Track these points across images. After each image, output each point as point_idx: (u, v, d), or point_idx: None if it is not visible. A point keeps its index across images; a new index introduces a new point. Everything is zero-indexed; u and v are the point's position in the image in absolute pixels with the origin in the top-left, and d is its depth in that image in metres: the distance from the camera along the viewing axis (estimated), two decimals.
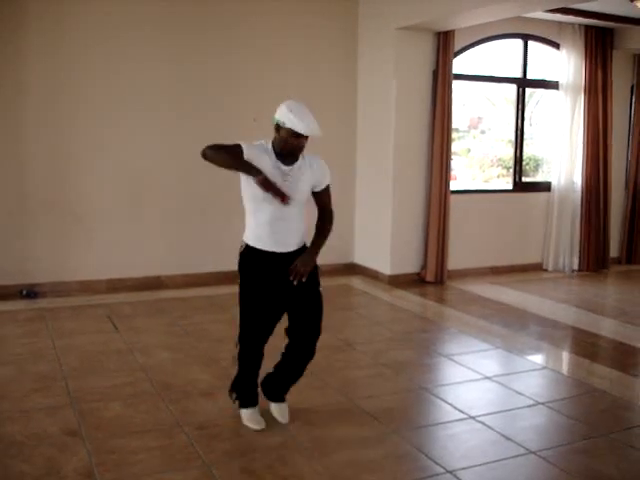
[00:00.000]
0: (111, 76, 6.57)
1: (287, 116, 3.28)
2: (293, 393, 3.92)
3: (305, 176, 3.45)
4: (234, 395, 3.74)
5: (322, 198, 3.58)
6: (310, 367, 4.44)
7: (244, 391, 3.71)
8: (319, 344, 4.93)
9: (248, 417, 3.67)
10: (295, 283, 3.41)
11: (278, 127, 3.33)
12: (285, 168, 3.39)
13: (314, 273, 3.53)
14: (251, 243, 3.46)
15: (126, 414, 3.79)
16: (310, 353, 3.64)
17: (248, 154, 3.31)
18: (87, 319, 5.74)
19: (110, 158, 6.66)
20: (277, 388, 3.78)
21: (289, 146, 3.33)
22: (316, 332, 3.61)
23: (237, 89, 7.05)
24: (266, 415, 3.74)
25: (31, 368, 4.50)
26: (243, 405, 3.71)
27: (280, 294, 3.48)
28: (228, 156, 3.31)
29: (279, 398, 3.79)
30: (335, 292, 6.68)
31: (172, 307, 6.14)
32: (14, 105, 6.28)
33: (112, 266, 6.76)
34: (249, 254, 3.48)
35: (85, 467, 3.16)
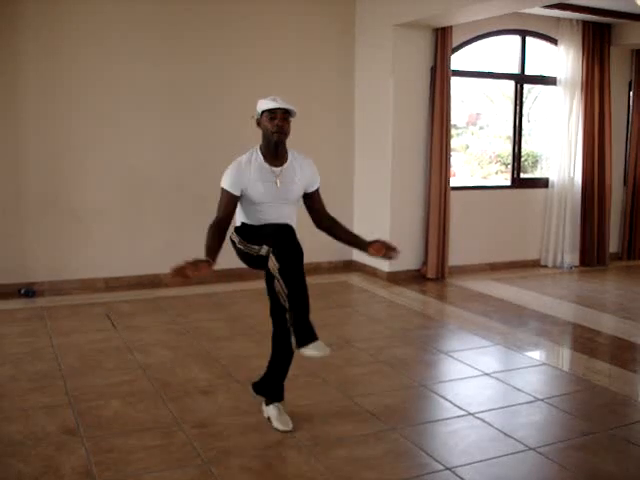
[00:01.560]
0: (108, 75, 6.56)
1: (259, 106, 3.42)
2: (292, 391, 3.92)
3: (296, 176, 3.48)
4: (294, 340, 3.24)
5: (317, 199, 3.61)
6: (309, 365, 4.45)
7: (304, 324, 3.19)
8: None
9: (312, 347, 3.14)
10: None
11: (258, 121, 3.45)
12: (276, 169, 3.43)
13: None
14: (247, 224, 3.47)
15: (125, 413, 3.78)
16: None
17: (233, 186, 3.35)
18: (85, 318, 5.73)
19: (108, 157, 6.65)
20: (274, 385, 3.69)
21: (271, 130, 3.36)
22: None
23: (233, 87, 7.04)
24: (264, 418, 3.74)
25: (29, 367, 4.49)
26: (306, 341, 3.17)
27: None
28: (211, 239, 3.37)
29: (279, 397, 3.72)
30: (334, 289, 6.67)
31: (171, 305, 6.13)
32: (11, 104, 6.27)
33: (110, 264, 6.76)
34: (244, 228, 3.48)
35: (84, 466, 3.16)
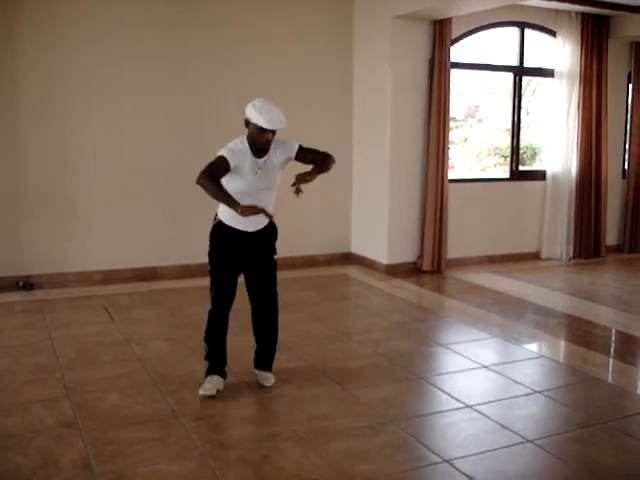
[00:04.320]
0: (105, 71, 6.54)
1: (252, 113, 3.59)
2: (290, 383, 3.92)
3: (273, 164, 3.77)
4: (206, 364, 4.00)
5: (307, 155, 3.86)
6: (307, 357, 4.45)
7: (214, 357, 3.97)
8: (316, 334, 4.92)
9: (205, 382, 3.92)
10: (299, 184, 3.70)
11: (247, 123, 3.66)
12: (259, 161, 3.73)
13: (271, 242, 3.95)
14: (225, 221, 3.83)
15: (123, 405, 3.78)
16: (271, 312, 4.03)
17: (232, 161, 3.63)
18: (83, 310, 5.73)
19: (105, 150, 6.64)
20: (260, 357, 4.13)
21: (257, 140, 3.64)
22: (272, 292, 4.00)
23: (231, 81, 7.02)
24: (262, 409, 3.75)
25: (27, 360, 4.49)
26: (209, 372, 3.96)
27: (241, 260, 3.89)
28: (215, 192, 3.57)
29: (263, 366, 4.12)
30: (332, 282, 6.66)
31: (168, 298, 6.13)
32: (9, 100, 6.25)
33: (108, 257, 6.75)
34: (221, 228, 3.87)
35: (82, 458, 3.16)
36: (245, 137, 3.73)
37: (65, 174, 6.52)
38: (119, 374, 4.25)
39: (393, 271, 7.25)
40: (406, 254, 7.39)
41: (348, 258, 7.79)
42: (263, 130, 3.58)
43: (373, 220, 7.42)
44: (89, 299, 6.06)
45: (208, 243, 3.94)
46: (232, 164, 3.63)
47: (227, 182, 3.67)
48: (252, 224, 3.78)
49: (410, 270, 7.35)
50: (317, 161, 3.84)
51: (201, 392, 3.86)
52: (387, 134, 7.13)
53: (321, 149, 3.93)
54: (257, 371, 4.15)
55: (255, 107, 3.59)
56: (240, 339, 4.95)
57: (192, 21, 6.80)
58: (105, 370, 4.32)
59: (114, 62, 6.56)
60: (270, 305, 4.04)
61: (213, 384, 3.90)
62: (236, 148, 3.69)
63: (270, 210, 3.76)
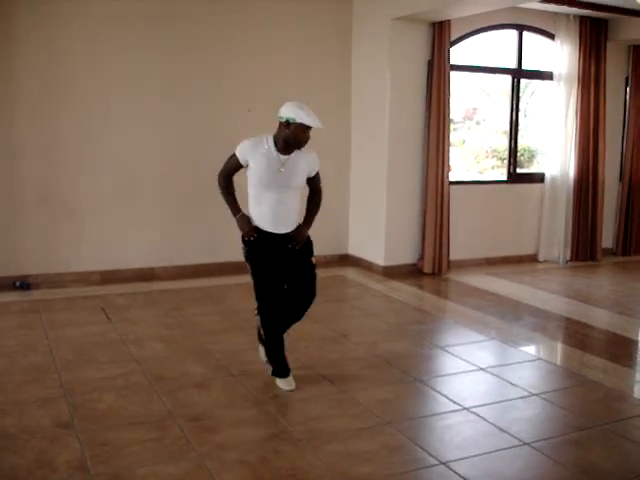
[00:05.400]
0: (101, 70, 6.52)
1: (297, 112, 3.75)
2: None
3: (301, 166, 3.92)
4: (269, 367, 4.10)
5: (314, 182, 4.10)
6: (304, 358, 4.45)
7: (276, 361, 4.07)
8: (314, 335, 4.93)
9: (281, 382, 4.06)
10: (297, 247, 3.96)
11: (288, 123, 3.76)
12: (283, 157, 3.85)
13: (308, 245, 4.05)
14: (255, 222, 3.93)
15: (119, 406, 3.77)
16: (306, 304, 4.07)
17: (241, 156, 3.87)
18: (80, 311, 5.72)
19: (102, 150, 6.62)
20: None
21: (300, 139, 3.79)
22: (311, 294, 4.05)
23: (227, 80, 7.02)
24: (259, 410, 3.74)
25: (24, 360, 4.48)
26: (276, 375, 4.09)
27: (280, 263, 3.95)
28: (222, 193, 4.01)
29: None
30: (329, 283, 6.65)
31: (165, 299, 6.12)
32: (5, 99, 6.23)
33: (105, 258, 6.74)
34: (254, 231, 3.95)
35: (78, 459, 3.15)
36: (272, 137, 3.87)
37: (62, 174, 6.50)
38: (116, 375, 4.24)
39: (390, 273, 7.24)
40: (404, 256, 7.39)
41: (346, 260, 7.79)
42: (307, 128, 3.76)
43: (371, 222, 7.42)
44: (86, 299, 6.04)
45: (242, 246, 4.00)
46: (242, 159, 3.86)
47: (249, 180, 3.91)
48: (279, 225, 3.91)
49: (408, 272, 7.34)
50: (314, 191, 4.11)
51: (287, 387, 4.02)
52: (385, 136, 7.13)
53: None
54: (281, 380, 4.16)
55: (299, 107, 3.77)
56: (239, 340, 4.96)
57: (190, 21, 6.79)
58: (102, 371, 4.31)
59: (110, 62, 6.54)
60: (305, 306, 4.08)
61: (290, 380, 4.06)
62: (248, 143, 3.87)
63: (298, 212, 3.99)
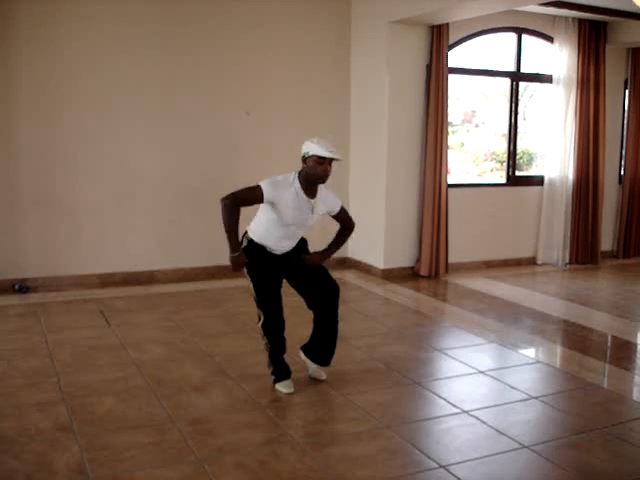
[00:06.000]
0: (101, 73, 6.54)
1: (310, 146, 3.77)
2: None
3: (320, 207, 3.95)
4: (271, 370, 4.12)
5: (342, 217, 4.16)
6: (302, 362, 4.43)
7: (277, 364, 4.09)
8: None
9: (280, 385, 4.07)
10: (307, 263, 4.04)
11: (305, 158, 3.79)
12: (312, 201, 3.87)
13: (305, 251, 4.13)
14: (256, 240, 3.94)
15: (118, 409, 3.77)
16: (335, 307, 4.12)
17: (268, 196, 3.74)
18: (79, 314, 5.71)
19: (101, 153, 6.63)
20: (319, 352, 4.17)
21: (317, 173, 3.76)
22: (335, 287, 4.13)
23: (226, 85, 7.02)
24: (258, 413, 3.74)
25: (23, 363, 4.48)
26: (277, 379, 4.08)
27: (281, 273, 4.02)
28: (226, 220, 3.75)
29: (323, 362, 4.20)
30: None
31: (164, 302, 6.12)
32: (4, 102, 6.24)
33: (104, 261, 6.74)
34: (254, 247, 3.94)
35: (77, 463, 3.14)
36: (297, 175, 3.84)
37: (61, 177, 6.50)
38: (115, 378, 4.23)
39: (389, 276, 7.25)
40: (403, 259, 7.40)
41: (345, 263, 7.79)
42: (323, 159, 3.73)
43: (370, 225, 7.42)
44: (85, 303, 6.04)
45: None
46: (267, 198, 3.75)
47: (265, 211, 3.87)
48: (284, 247, 3.96)
49: (406, 275, 7.35)
50: (345, 224, 4.19)
51: (285, 390, 4.02)
52: (384, 139, 7.13)
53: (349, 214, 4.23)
54: (313, 365, 4.23)
55: (312, 141, 3.78)
56: (239, 344, 4.96)
57: (189, 22, 6.80)
58: (101, 374, 4.30)
59: (110, 64, 6.55)
60: (333, 297, 4.11)
61: (289, 384, 4.07)
62: (282, 183, 3.80)
63: (298, 238, 4.03)
